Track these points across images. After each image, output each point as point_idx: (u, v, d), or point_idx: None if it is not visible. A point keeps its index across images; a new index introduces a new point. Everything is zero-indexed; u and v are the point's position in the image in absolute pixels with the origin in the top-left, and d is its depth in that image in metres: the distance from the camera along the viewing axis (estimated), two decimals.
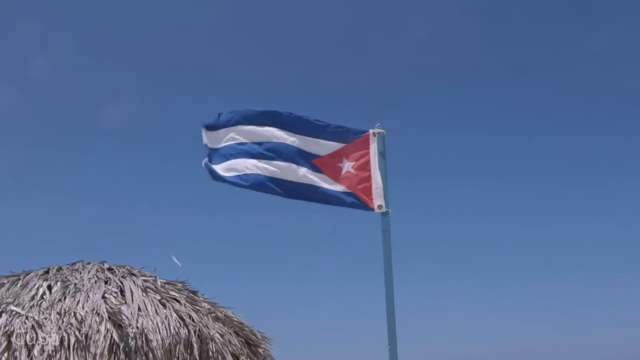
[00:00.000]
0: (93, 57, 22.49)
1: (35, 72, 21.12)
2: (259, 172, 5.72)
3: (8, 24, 20.94)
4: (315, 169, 5.74)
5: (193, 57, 23.45)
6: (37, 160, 22.15)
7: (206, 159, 5.83)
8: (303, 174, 5.72)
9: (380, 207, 5.55)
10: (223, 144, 5.81)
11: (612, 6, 23.23)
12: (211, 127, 5.85)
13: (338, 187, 5.71)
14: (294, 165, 5.72)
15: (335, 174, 5.74)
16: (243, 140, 5.79)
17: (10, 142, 20.97)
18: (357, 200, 5.67)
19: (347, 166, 5.74)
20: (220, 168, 5.76)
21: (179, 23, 23.10)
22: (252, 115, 5.85)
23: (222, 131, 5.83)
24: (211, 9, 22.68)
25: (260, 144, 5.79)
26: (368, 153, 5.71)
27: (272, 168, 5.71)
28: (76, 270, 6.16)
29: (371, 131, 5.75)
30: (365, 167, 5.71)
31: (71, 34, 22.02)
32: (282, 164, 5.72)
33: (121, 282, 5.92)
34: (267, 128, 5.78)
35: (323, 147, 5.77)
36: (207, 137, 5.83)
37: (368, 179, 5.67)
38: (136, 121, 23.17)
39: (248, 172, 5.73)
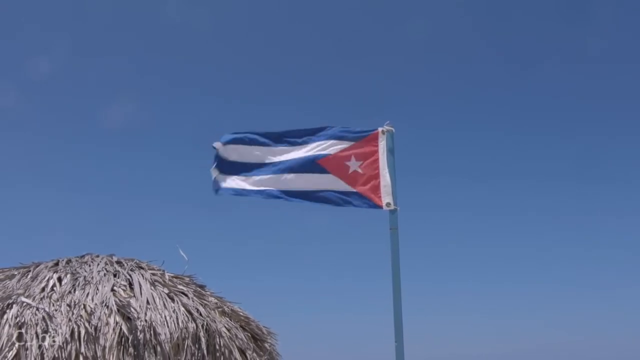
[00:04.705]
0: (93, 57, 22.59)
1: (35, 72, 21.20)
2: (270, 187, 5.77)
3: (8, 24, 21.02)
4: (321, 169, 5.74)
5: (193, 57, 23.49)
6: (46, 156, 22.32)
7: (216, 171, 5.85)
8: (308, 179, 5.74)
9: (388, 204, 5.57)
10: (238, 160, 5.86)
11: (613, 7, 23.25)
12: (226, 143, 5.91)
13: (344, 187, 5.72)
14: (300, 174, 5.74)
15: (342, 173, 5.75)
16: (256, 161, 5.85)
17: (17, 137, 21.08)
18: (365, 199, 5.69)
19: (355, 165, 5.75)
20: (233, 180, 5.82)
21: (179, 22, 23.13)
22: (262, 135, 5.92)
23: (239, 147, 5.88)
24: (212, 8, 22.73)
25: (270, 164, 5.84)
26: (377, 151, 5.73)
27: (280, 179, 5.76)
28: (85, 262, 6.19)
29: (380, 129, 5.78)
30: (374, 165, 5.72)
31: (71, 34, 22.11)
32: (290, 176, 5.76)
33: (130, 275, 5.96)
34: (278, 147, 5.86)
35: (330, 147, 5.79)
36: (222, 150, 5.86)
37: (376, 177, 5.69)
38: (142, 118, 23.25)
39: (261, 188, 5.79)
